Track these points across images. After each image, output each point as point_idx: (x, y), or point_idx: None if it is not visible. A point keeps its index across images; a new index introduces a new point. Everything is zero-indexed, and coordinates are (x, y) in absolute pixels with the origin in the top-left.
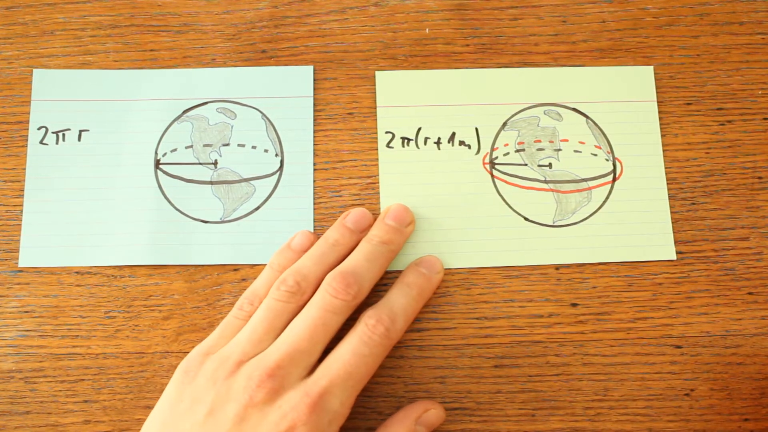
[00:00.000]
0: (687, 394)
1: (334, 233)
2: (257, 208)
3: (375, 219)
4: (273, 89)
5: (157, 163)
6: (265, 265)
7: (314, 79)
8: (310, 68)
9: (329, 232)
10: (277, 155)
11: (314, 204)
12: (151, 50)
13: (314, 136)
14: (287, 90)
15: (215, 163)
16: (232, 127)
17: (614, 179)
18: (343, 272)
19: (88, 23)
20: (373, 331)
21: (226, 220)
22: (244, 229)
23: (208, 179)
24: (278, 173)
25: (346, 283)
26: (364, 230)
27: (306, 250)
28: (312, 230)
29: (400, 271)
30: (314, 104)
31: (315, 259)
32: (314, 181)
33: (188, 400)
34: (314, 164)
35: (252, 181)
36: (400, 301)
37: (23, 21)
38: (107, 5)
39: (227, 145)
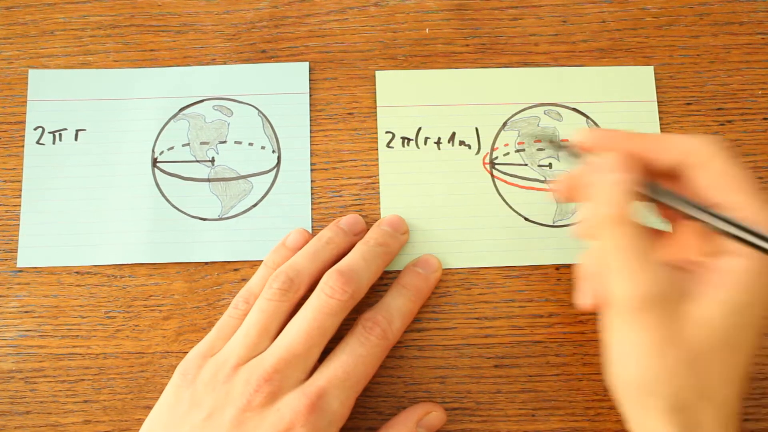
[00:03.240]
0: None
1: (328, 232)
2: (255, 205)
3: (369, 226)
4: (269, 86)
5: (155, 162)
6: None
7: (314, 79)
8: (305, 64)
9: (323, 231)
10: (274, 152)
11: (314, 204)
12: (151, 50)
13: (314, 136)
14: (283, 87)
15: (212, 161)
16: (228, 124)
17: None
18: (340, 270)
19: (88, 23)
20: (370, 332)
21: (224, 217)
22: (242, 226)
23: (206, 177)
24: (275, 170)
25: (343, 280)
26: (358, 234)
27: (301, 248)
28: (310, 227)
29: (398, 272)
30: (314, 104)
31: (309, 256)
32: (314, 181)
33: (186, 404)
34: (314, 164)
35: (249, 178)
36: (396, 302)
37: (23, 21)
38: (107, 5)
39: (224, 142)
